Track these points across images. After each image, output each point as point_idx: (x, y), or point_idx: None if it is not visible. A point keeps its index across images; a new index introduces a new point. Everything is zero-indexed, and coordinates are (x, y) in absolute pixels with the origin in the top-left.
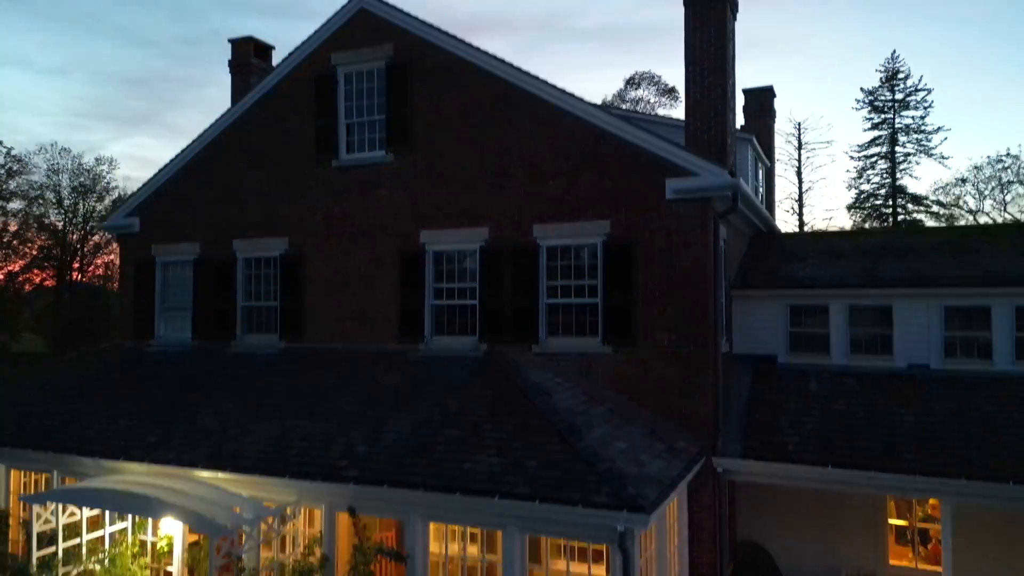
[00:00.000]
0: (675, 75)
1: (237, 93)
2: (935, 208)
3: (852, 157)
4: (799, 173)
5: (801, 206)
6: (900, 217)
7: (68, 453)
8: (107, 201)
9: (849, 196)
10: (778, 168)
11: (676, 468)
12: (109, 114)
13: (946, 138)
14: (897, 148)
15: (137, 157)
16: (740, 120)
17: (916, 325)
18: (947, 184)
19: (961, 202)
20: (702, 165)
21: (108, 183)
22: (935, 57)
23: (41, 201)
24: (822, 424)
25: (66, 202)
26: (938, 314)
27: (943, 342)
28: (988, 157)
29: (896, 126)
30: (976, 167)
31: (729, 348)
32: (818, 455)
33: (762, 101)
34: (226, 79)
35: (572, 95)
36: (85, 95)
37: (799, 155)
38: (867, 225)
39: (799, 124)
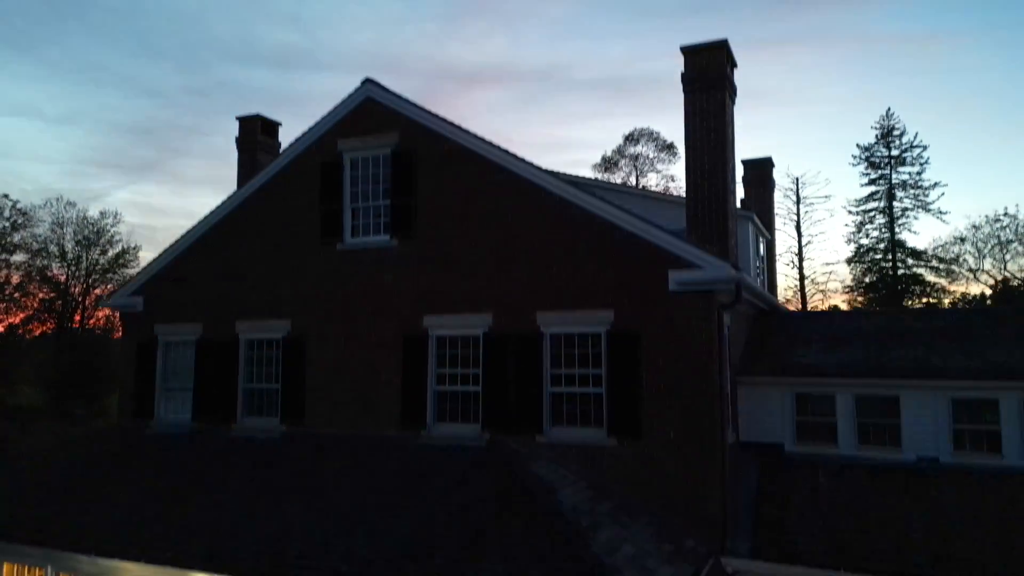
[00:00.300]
0: (673, 127)
1: (244, 170)
2: (934, 263)
3: (850, 212)
4: (798, 227)
5: (801, 260)
6: (900, 271)
7: (63, 550)
8: (110, 254)
9: (848, 250)
10: (777, 222)
11: (686, 574)
12: (115, 162)
13: (943, 193)
14: (895, 203)
15: (142, 205)
16: (740, 190)
17: (924, 416)
18: (946, 243)
19: (961, 260)
20: (705, 258)
21: (112, 236)
22: (931, 111)
23: (45, 254)
24: (832, 522)
25: (69, 255)
26: (946, 406)
27: (952, 434)
28: (986, 216)
29: (893, 182)
30: (975, 226)
31: (735, 436)
32: (829, 557)
33: (761, 171)
34: (231, 127)
35: (576, 185)
36: (92, 144)
37: (798, 209)
38: (867, 279)
39: (797, 179)
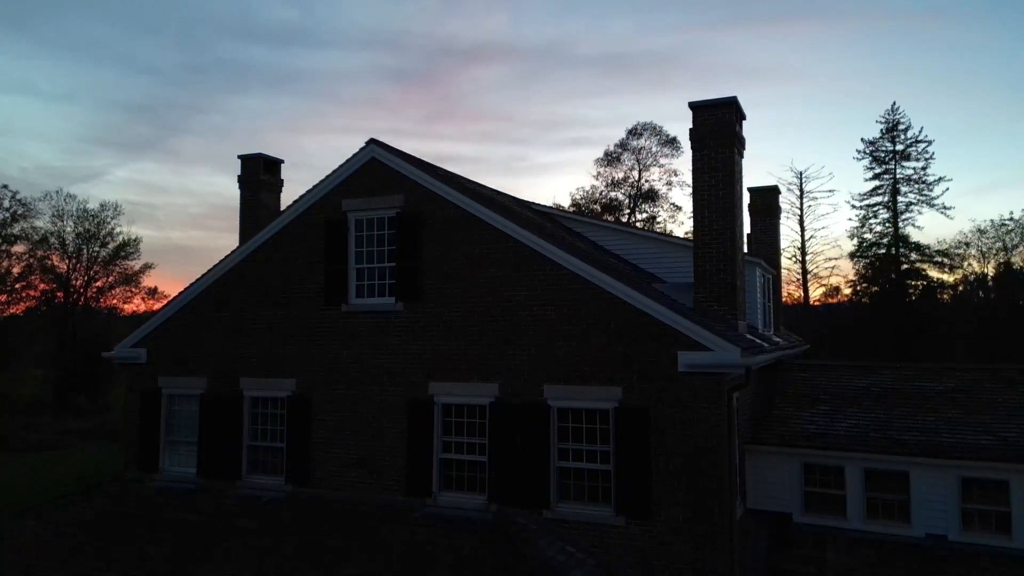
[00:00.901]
0: (676, 108)
1: (247, 207)
2: (938, 258)
3: (854, 206)
4: (801, 222)
5: (804, 255)
6: (904, 267)
7: None
8: (111, 247)
9: (851, 244)
10: (780, 217)
11: None
12: (114, 140)
13: (948, 188)
14: (899, 198)
15: (141, 183)
16: (746, 220)
17: (934, 493)
18: (950, 246)
19: (966, 265)
20: (716, 342)
21: (112, 228)
22: (937, 105)
23: (45, 246)
24: None
25: (70, 247)
26: (955, 484)
27: (960, 512)
28: (991, 220)
29: (897, 176)
30: (980, 230)
31: (743, 505)
32: None
33: (767, 200)
34: (230, 105)
35: (583, 258)
36: (90, 121)
37: (801, 204)
38: (869, 273)
39: (801, 173)
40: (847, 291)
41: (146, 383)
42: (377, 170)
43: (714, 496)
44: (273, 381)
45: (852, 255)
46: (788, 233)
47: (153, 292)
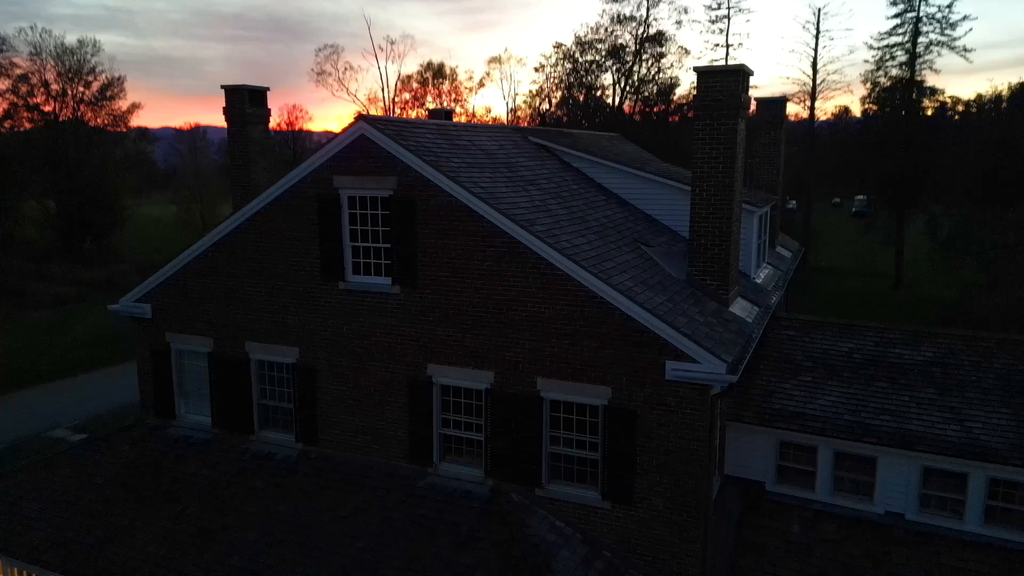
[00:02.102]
0: None
1: (235, 142)
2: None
3: (872, 47)
4: (814, 64)
5: (813, 100)
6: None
7: None
8: (95, 87)
9: (864, 90)
10: (792, 59)
11: None
12: None
13: (971, 29)
14: (919, 38)
15: None
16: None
17: (897, 477)
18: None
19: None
20: (703, 355)
21: (95, 66)
22: None
23: (27, 83)
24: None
25: (53, 87)
26: (918, 472)
27: (919, 496)
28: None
29: (920, 13)
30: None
31: (720, 477)
32: None
33: (773, 111)
34: None
35: (578, 261)
36: None
37: (816, 43)
38: (884, 109)
39: (819, 10)
40: (858, 107)
41: (154, 338)
42: (367, 149)
43: (692, 491)
44: (277, 348)
45: (864, 100)
46: (799, 76)
47: (144, 134)
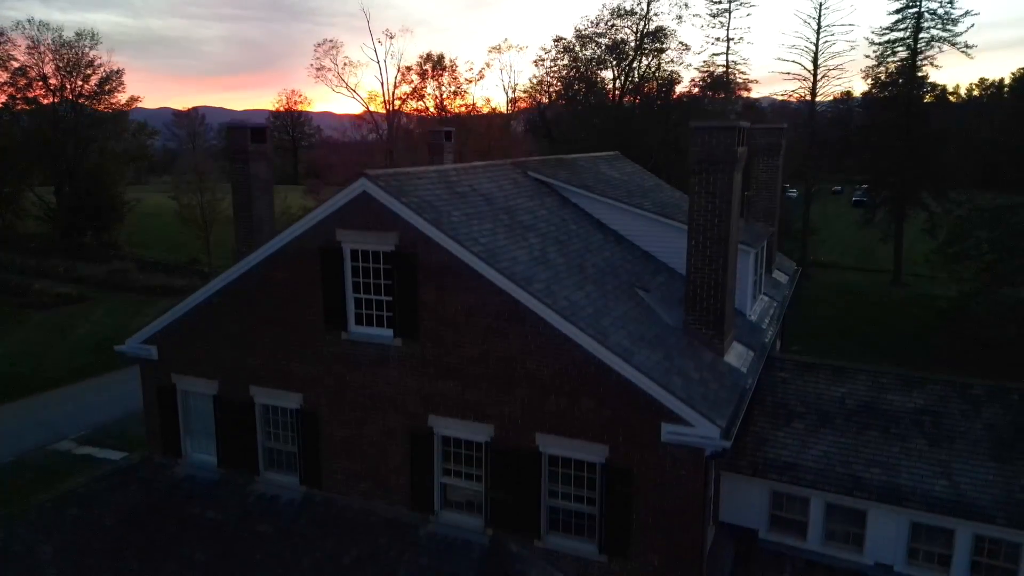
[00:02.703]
0: None
1: (239, 179)
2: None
3: (873, 42)
4: (815, 60)
5: (814, 96)
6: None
7: None
8: (93, 82)
9: (865, 85)
10: (791, 54)
11: None
12: None
13: (972, 24)
14: (920, 34)
15: None
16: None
17: (886, 530)
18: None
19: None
20: (697, 418)
21: (92, 60)
22: None
23: (24, 75)
24: None
25: (51, 80)
26: (906, 526)
27: (908, 549)
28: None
29: (922, 8)
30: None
31: (715, 522)
32: None
33: (771, 141)
34: None
35: (576, 322)
36: None
37: (817, 39)
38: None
39: (820, 4)
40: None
41: (160, 378)
42: (369, 205)
43: (687, 548)
44: (281, 393)
45: (865, 95)
46: (800, 71)
47: (143, 127)
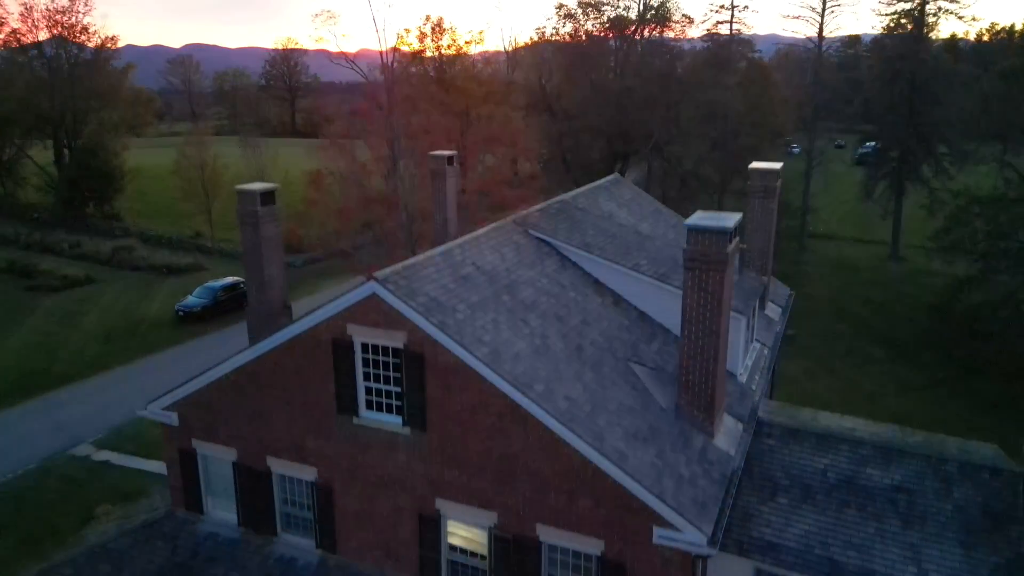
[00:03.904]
0: None
1: (250, 241)
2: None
3: (880, 13)
4: (820, 33)
5: (821, 38)
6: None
7: None
8: (87, 54)
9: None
10: (797, 24)
11: None
12: None
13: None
14: (927, 5)
15: None
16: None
17: None
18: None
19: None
20: (686, 525)
21: (87, 26)
22: None
23: (18, 41)
24: None
25: (47, 51)
26: None
27: None
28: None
29: None
30: None
31: None
32: None
33: (767, 182)
34: None
35: (574, 428)
36: None
37: (823, 10)
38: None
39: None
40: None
41: (182, 441)
42: (379, 306)
43: None
44: (297, 466)
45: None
46: (800, 40)
47: (140, 94)
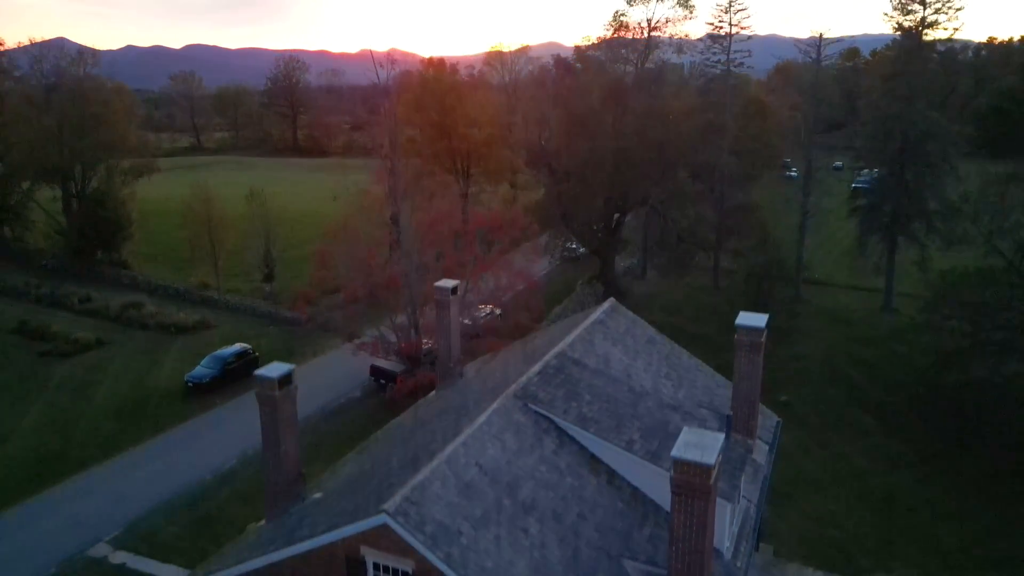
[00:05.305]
0: None
1: (268, 421)
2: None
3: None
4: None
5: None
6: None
7: None
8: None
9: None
10: (796, 28)
11: None
12: None
13: (963, 8)
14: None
15: None
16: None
17: None
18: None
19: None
20: None
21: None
22: None
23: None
24: None
25: (54, 105)
26: None
27: None
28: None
29: None
30: None
31: None
32: None
33: (753, 340)
34: None
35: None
36: None
37: (818, 54)
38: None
39: (821, 34)
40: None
41: None
42: (390, 535)
43: None
44: None
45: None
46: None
47: (145, 141)
